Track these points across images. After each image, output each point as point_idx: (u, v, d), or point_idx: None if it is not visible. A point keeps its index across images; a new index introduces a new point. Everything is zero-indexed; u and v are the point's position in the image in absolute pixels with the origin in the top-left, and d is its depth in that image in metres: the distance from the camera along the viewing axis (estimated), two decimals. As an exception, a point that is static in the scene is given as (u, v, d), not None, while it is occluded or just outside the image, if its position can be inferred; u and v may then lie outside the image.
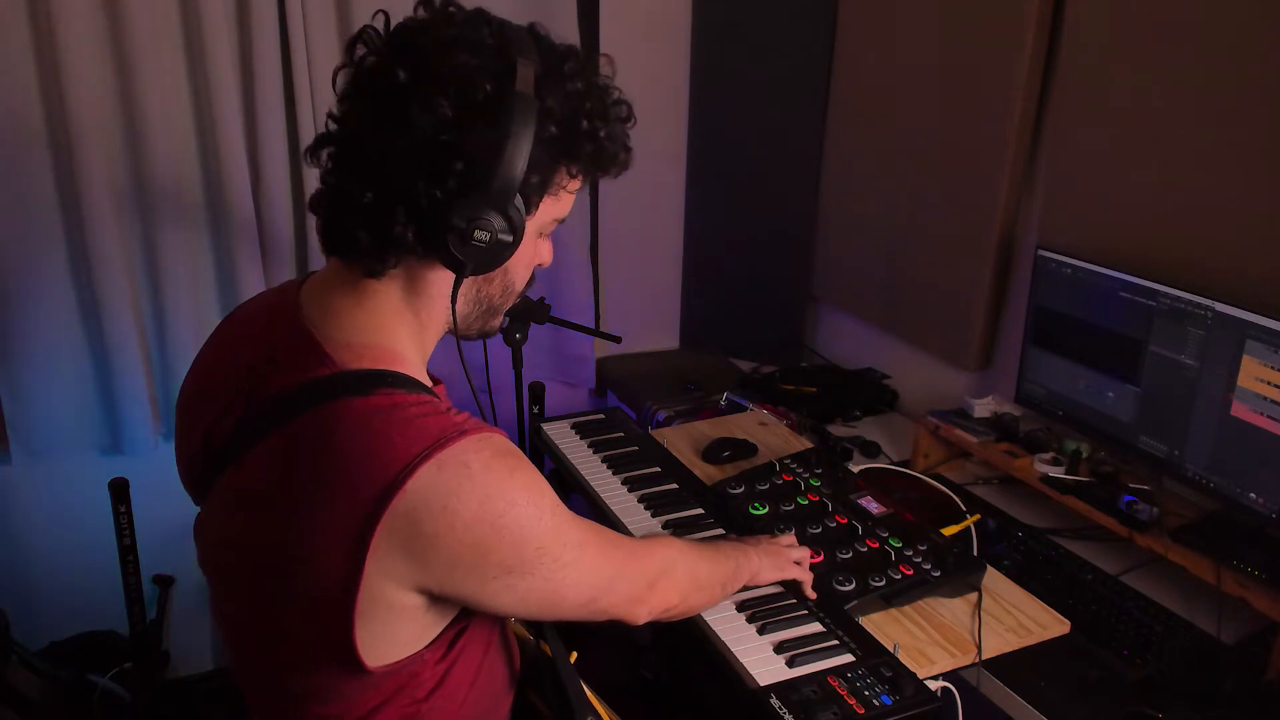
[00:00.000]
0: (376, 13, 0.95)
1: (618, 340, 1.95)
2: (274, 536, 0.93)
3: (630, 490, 1.72)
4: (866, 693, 1.22)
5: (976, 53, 1.98)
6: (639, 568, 1.14)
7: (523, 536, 0.93)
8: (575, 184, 1.02)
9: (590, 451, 1.86)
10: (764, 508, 1.63)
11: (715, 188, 2.68)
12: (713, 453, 1.91)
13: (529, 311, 1.89)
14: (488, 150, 0.90)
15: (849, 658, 1.30)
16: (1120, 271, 1.63)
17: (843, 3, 2.39)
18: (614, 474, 1.78)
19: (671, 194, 2.71)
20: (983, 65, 1.97)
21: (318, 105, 2.16)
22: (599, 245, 2.68)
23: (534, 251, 1.06)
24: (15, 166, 2.01)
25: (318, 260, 2.26)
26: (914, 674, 1.27)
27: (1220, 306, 1.47)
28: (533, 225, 1.00)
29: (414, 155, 0.90)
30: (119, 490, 2.11)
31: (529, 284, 1.09)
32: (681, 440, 1.99)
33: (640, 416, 2.40)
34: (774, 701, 1.20)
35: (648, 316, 2.80)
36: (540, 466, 2.34)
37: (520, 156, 0.91)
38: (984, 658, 1.36)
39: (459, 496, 0.88)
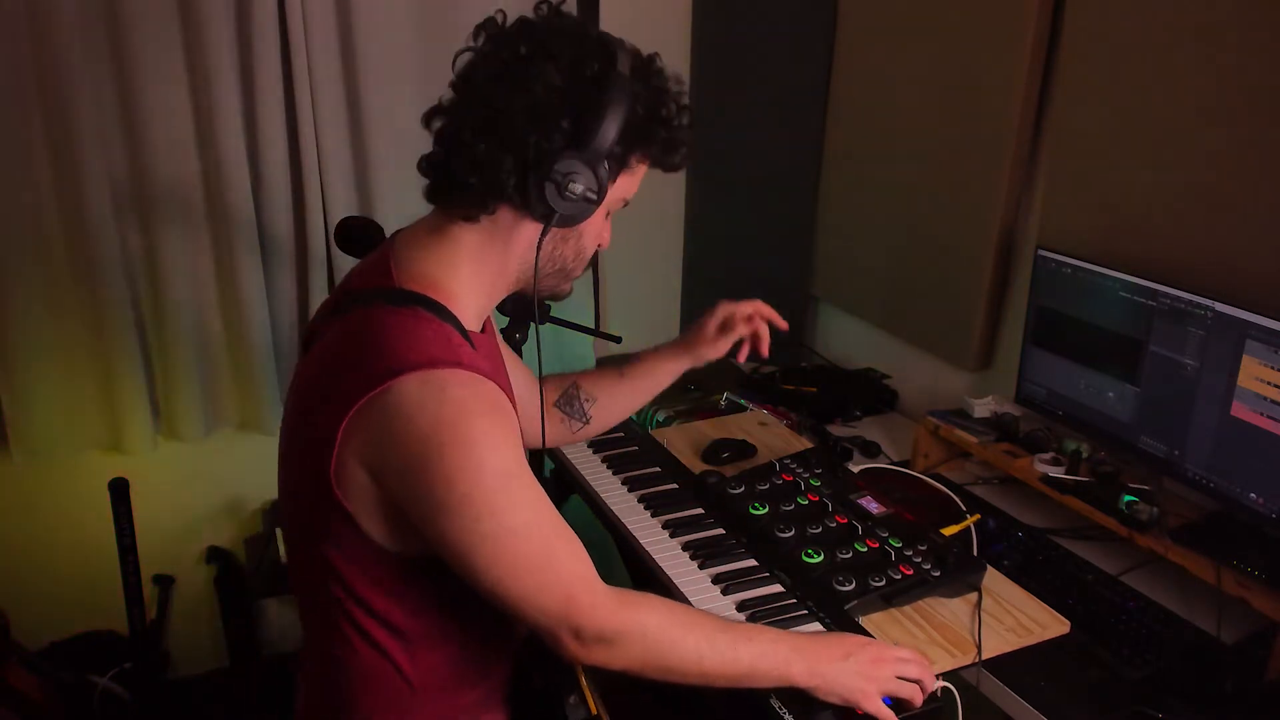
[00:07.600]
0: (497, 10, 1.11)
1: (618, 340, 1.95)
2: (304, 410, 1.11)
3: (630, 490, 1.72)
4: (866, 693, 1.22)
5: (976, 52, 1.98)
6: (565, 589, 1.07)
7: (455, 476, 0.99)
8: (643, 167, 1.17)
9: (590, 451, 1.86)
10: (764, 508, 1.63)
11: (715, 188, 2.67)
12: (713, 453, 1.91)
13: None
14: (590, 116, 1.05)
15: (849, 658, 1.29)
16: (1120, 271, 1.63)
17: (843, 3, 2.39)
18: (614, 474, 1.78)
19: (671, 194, 2.71)
20: (983, 65, 1.97)
21: (318, 105, 2.16)
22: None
23: (601, 226, 1.20)
24: (15, 166, 2.00)
25: (318, 260, 2.28)
26: (914, 674, 1.27)
27: (1220, 306, 1.47)
28: (608, 197, 1.12)
29: (527, 112, 1.04)
30: (119, 490, 2.11)
31: (589, 265, 1.24)
32: (681, 440, 1.99)
33: (640, 416, 2.40)
34: (774, 702, 1.20)
35: (648, 316, 2.80)
36: (540, 467, 2.33)
37: (614, 127, 1.06)
38: (984, 658, 1.36)
39: (424, 413, 0.99)
